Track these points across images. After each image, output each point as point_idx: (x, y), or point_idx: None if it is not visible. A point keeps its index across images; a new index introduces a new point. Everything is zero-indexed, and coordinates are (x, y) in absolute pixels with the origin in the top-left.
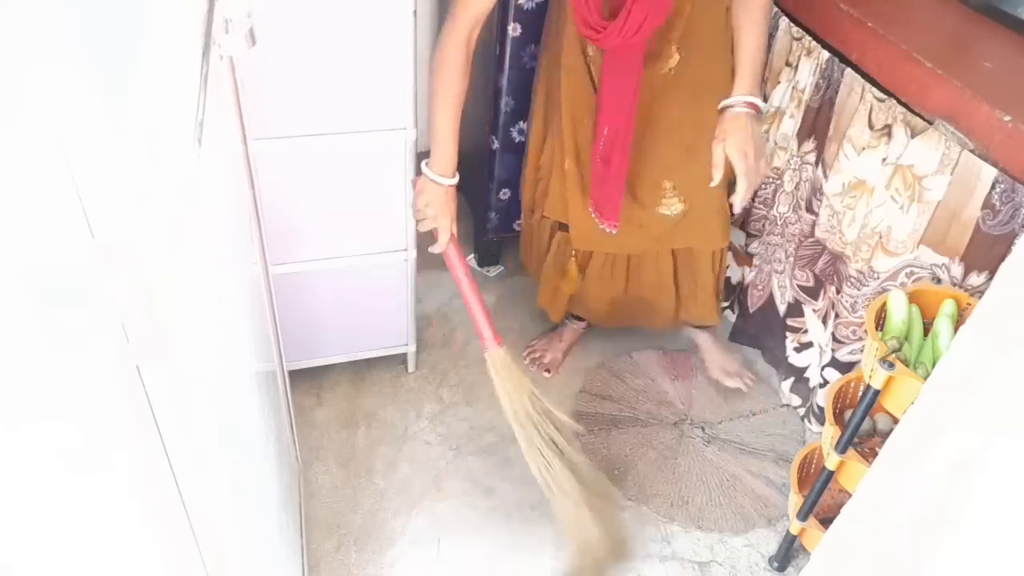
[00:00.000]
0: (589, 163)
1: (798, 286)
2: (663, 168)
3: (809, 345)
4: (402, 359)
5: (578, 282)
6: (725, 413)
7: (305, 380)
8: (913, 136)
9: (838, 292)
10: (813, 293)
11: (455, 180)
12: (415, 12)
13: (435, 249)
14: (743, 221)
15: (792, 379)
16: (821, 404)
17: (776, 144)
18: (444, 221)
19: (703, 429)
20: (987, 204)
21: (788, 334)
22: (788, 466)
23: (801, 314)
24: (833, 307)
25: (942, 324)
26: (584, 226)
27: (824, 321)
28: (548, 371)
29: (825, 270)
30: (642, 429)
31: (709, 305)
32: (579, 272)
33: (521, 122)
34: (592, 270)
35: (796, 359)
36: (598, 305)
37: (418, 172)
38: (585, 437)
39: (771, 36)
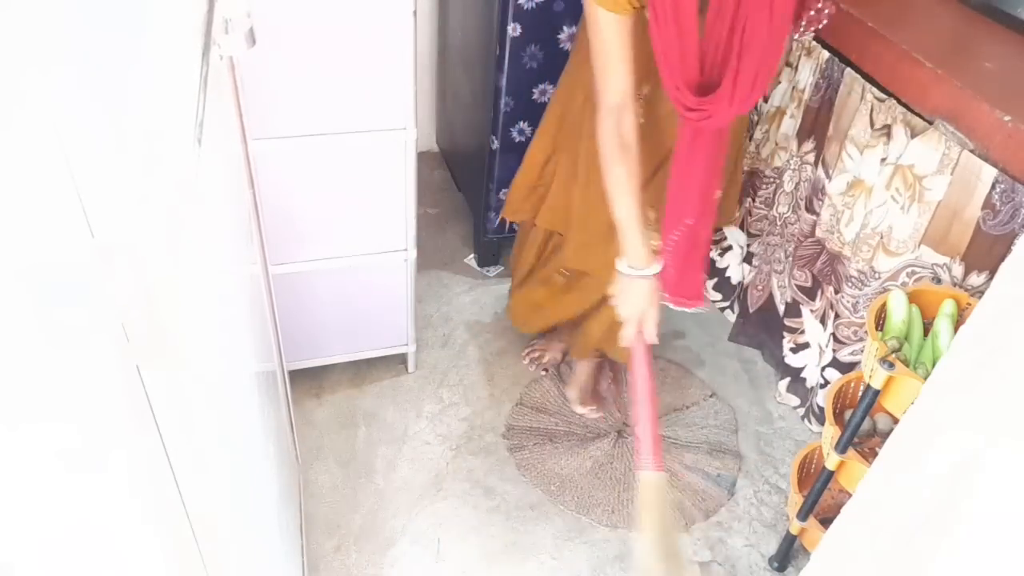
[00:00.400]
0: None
1: (796, 286)
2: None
3: (806, 346)
4: (402, 359)
5: (557, 298)
6: (659, 410)
7: (305, 380)
8: (913, 136)
9: (836, 292)
10: (811, 293)
11: (654, 268)
12: (415, 12)
13: (650, 340)
14: (743, 221)
15: (788, 379)
16: (821, 404)
17: (776, 144)
18: (652, 311)
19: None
20: (987, 204)
21: (785, 334)
22: (722, 456)
23: (799, 315)
24: (832, 307)
25: (942, 324)
26: (580, 240)
27: (822, 322)
28: (545, 370)
29: (823, 270)
30: (578, 443)
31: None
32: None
33: (521, 122)
34: (582, 291)
35: (792, 359)
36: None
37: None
38: (520, 453)
39: None
